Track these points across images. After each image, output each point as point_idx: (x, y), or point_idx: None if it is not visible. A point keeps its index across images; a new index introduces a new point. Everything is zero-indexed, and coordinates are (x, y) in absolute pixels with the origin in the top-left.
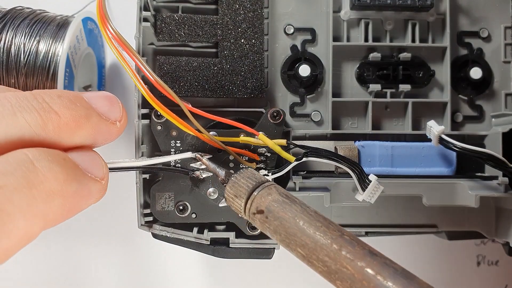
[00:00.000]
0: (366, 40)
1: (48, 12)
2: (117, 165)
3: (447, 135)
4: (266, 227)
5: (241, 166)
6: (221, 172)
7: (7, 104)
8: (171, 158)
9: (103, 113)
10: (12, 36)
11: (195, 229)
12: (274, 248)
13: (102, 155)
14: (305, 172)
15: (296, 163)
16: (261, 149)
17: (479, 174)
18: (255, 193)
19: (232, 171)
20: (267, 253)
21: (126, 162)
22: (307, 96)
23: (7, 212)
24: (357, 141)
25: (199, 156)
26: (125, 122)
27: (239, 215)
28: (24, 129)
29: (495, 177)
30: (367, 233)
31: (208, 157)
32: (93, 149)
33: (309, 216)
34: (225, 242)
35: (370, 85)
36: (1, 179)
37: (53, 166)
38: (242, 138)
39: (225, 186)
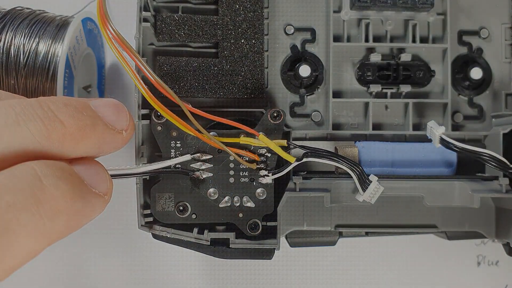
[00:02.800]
0: (366, 40)
1: (47, 13)
2: (118, 172)
3: (448, 135)
4: None
5: (241, 167)
6: None
7: (12, 113)
8: (171, 162)
9: (109, 122)
10: (12, 37)
11: (195, 230)
12: (274, 248)
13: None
14: (306, 172)
15: (296, 163)
16: (261, 149)
17: (479, 174)
18: None
19: None
20: (267, 254)
21: (126, 169)
22: (307, 96)
23: (15, 231)
24: (357, 142)
25: None
26: (131, 131)
27: None
28: (28, 139)
29: (496, 178)
30: (367, 233)
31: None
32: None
33: None
34: (225, 242)
35: (370, 85)
36: (10, 197)
37: (60, 184)
38: (243, 139)
39: None
